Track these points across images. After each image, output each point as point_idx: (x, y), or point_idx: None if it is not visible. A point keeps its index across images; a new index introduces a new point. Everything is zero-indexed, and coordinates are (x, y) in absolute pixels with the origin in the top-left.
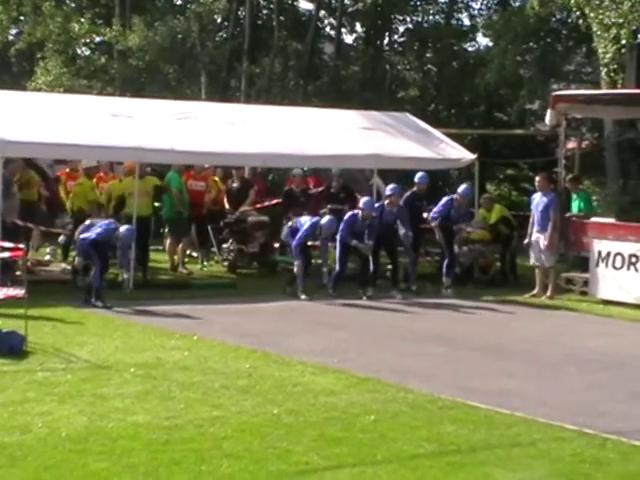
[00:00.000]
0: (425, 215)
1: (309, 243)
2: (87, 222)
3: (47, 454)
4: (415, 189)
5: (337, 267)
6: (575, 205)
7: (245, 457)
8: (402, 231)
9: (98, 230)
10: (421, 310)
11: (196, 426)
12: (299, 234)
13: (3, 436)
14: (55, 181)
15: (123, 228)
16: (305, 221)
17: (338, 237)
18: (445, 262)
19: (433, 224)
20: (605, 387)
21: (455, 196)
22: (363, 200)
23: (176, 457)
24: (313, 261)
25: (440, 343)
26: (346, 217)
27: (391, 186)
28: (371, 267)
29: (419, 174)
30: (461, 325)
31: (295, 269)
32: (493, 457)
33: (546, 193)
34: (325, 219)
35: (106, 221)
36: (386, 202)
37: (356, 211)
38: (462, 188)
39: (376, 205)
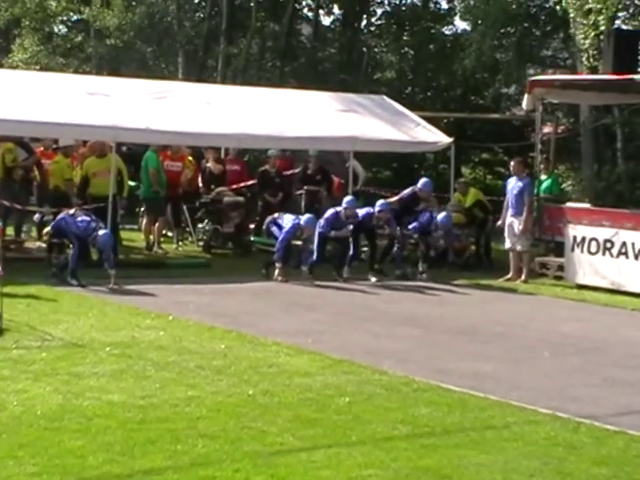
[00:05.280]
0: None
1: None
2: (71, 211)
3: (22, 432)
4: (417, 192)
5: (314, 256)
6: (544, 186)
7: (220, 437)
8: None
9: (79, 225)
10: (396, 293)
11: (171, 405)
12: (282, 236)
13: None
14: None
15: (101, 233)
16: (287, 222)
17: (317, 232)
18: (420, 248)
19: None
20: (578, 371)
21: (416, 188)
22: (346, 199)
23: (151, 436)
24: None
25: (415, 325)
26: (328, 214)
27: (381, 202)
28: (350, 250)
29: (424, 180)
30: (436, 308)
31: (277, 264)
32: (467, 439)
33: (521, 178)
34: (305, 219)
35: (88, 218)
36: (376, 214)
37: (339, 209)
38: (422, 182)
39: (364, 211)
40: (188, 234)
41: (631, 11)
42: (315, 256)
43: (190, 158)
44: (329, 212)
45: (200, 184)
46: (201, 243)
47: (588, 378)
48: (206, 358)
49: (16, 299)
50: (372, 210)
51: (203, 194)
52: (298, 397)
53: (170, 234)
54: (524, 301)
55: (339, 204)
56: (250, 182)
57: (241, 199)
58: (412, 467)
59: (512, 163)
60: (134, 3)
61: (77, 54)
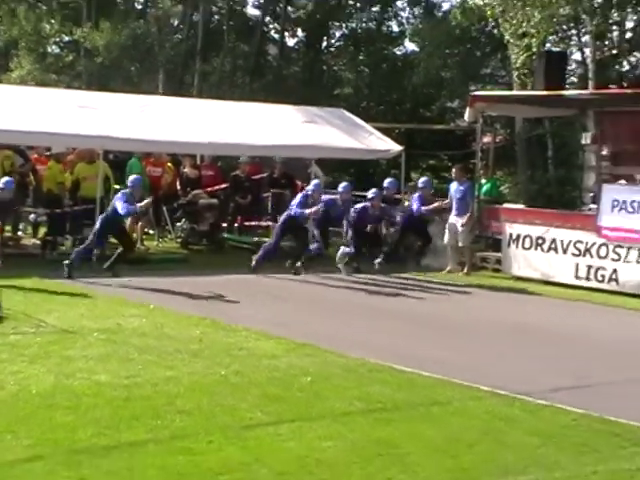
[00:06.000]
0: None
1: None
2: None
3: (19, 408)
4: (385, 193)
5: (272, 242)
6: (484, 189)
7: (196, 413)
8: (385, 231)
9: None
10: (359, 285)
11: (152, 385)
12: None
13: None
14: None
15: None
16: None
17: (292, 211)
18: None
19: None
20: (513, 353)
21: (383, 190)
22: (342, 185)
23: (135, 412)
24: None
25: (372, 314)
26: (358, 207)
27: (373, 190)
28: (315, 245)
29: (389, 180)
30: (390, 299)
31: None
32: (416, 414)
33: (462, 182)
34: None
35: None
36: (369, 204)
37: (333, 196)
38: (388, 181)
39: (358, 206)
40: (167, 232)
41: (560, 35)
42: (273, 242)
43: (169, 164)
44: (359, 206)
45: (178, 187)
46: (179, 240)
47: (523, 359)
48: (183, 343)
49: (13, 290)
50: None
51: (181, 196)
52: (266, 377)
53: (152, 232)
54: (465, 291)
55: None
56: (223, 186)
57: (215, 201)
58: (367, 439)
59: (453, 170)
60: (119, 26)
61: (69, 71)
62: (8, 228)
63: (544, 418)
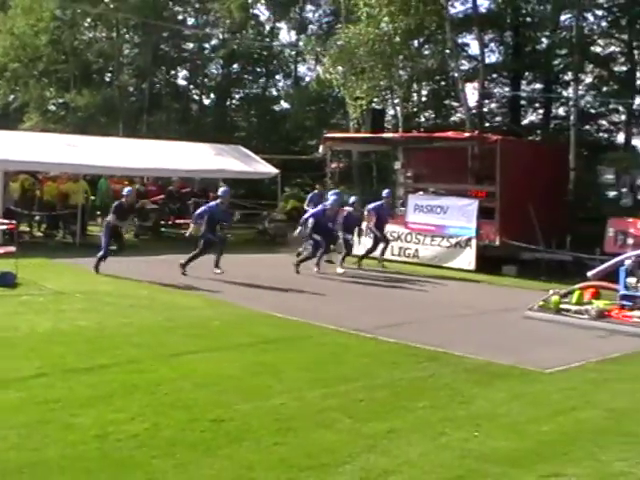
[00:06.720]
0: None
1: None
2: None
3: (30, 343)
4: (384, 202)
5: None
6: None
7: (143, 346)
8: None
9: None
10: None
11: (115, 328)
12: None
13: (4, 332)
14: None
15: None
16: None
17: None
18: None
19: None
20: (354, 306)
21: (327, 205)
22: (352, 198)
23: (102, 346)
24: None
25: (274, 282)
26: (316, 211)
27: (353, 197)
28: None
29: (386, 190)
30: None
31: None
32: (287, 345)
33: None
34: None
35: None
36: (352, 208)
37: (327, 204)
38: (332, 199)
39: (346, 209)
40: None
41: (380, 98)
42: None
43: (126, 182)
44: (318, 208)
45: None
46: (133, 233)
47: (360, 309)
48: (136, 300)
49: (26, 266)
50: None
51: (134, 204)
52: (188, 321)
53: None
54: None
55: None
56: (161, 196)
57: (156, 206)
58: (254, 361)
59: (317, 186)
60: (95, 92)
61: (62, 122)
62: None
63: (370, 345)
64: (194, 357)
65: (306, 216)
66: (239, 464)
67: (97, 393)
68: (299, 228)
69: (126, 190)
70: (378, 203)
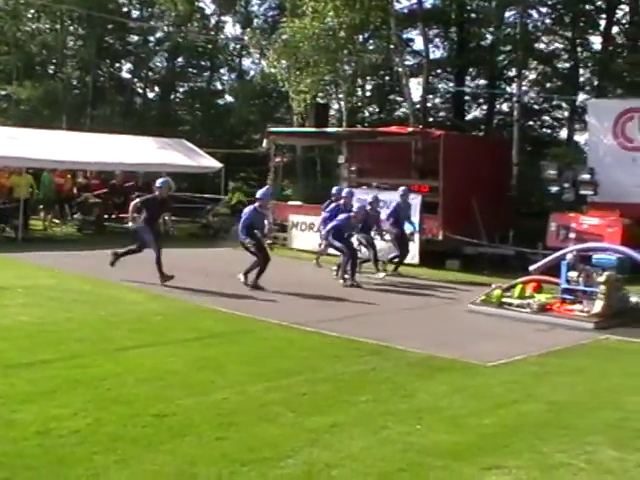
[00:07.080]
0: None
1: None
2: None
3: None
4: (341, 202)
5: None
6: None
7: (86, 340)
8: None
9: None
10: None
11: (57, 323)
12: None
13: None
14: None
15: None
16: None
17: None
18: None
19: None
20: (296, 299)
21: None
22: (340, 190)
23: (45, 340)
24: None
25: (218, 276)
26: (339, 221)
27: (346, 190)
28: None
29: (402, 188)
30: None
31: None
32: (229, 339)
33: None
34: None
35: None
36: (341, 202)
37: (340, 202)
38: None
39: (332, 206)
40: (69, 221)
41: (324, 92)
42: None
43: (69, 176)
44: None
45: (75, 191)
46: (76, 227)
47: (301, 303)
48: (78, 294)
49: None
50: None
51: (77, 197)
52: (132, 316)
53: (57, 221)
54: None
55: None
56: (104, 190)
57: (99, 200)
58: (197, 356)
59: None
60: (37, 84)
61: (4, 114)
62: None
63: (313, 340)
64: (138, 352)
65: (328, 227)
66: (181, 459)
67: (39, 389)
68: (322, 242)
69: (159, 181)
70: (395, 203)
